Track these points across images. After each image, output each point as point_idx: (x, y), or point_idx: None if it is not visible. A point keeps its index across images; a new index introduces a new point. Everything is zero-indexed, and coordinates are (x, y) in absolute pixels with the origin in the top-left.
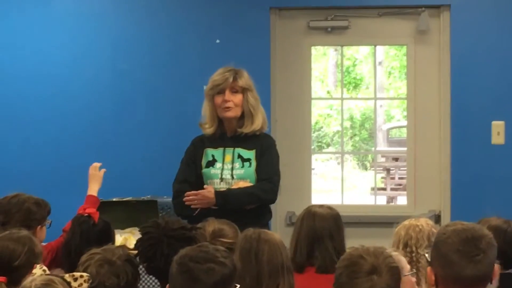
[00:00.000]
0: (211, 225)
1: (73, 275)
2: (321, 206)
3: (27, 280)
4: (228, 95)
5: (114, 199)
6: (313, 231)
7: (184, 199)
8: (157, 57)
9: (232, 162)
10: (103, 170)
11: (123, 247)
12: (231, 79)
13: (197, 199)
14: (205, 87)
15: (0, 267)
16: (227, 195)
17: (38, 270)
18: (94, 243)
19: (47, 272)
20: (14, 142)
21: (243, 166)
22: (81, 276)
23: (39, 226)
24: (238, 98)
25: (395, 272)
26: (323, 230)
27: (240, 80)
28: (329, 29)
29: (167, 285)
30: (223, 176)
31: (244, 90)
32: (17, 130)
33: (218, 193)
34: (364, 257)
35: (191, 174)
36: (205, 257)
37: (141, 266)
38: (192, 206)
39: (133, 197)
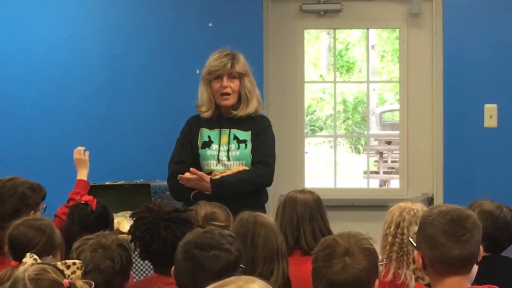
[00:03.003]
0: (203, 208)
1: (66, 263)
2: (302, 191)
3: (20, 270)
4: (226, 81)
5: (107, 183)
6: (296, 216)
7: (179, 177)
8: (150, 41)
9: (228, 143)
10: (87, 153)
11: (115, 232)
12: (229, 65)
13: (193, 180)
14: (198, 71)
15: (15, 252)
16: (222, 184)
17: (29, 259)
18: (92, 230)
19: (38, 260)
20: (7, 126)
21: (239, 148)
22: (74, 264)
23: (33, 211)
24: (235, 84)
25: (369, 254)
26: (306, 214)
27: (237, 66)
28: (322, 13)
29: (172, 269)
30: (220, 158)
31: (241, 75)
32: (9, 116)
33: (213, 181)
34: (338, 240)
35: (187, 154)
36: (210, 244)
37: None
38: (186, 185)
39: (126, 181)
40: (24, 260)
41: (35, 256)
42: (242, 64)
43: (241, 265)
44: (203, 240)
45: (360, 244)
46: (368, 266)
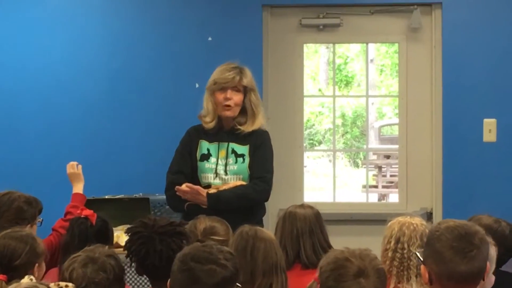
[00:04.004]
0: (202, 223)
1: (59, 284)
2: (301, 206)
3: (11, 286)
4: (230, 93)
5: (106, 197)
6: (296, 230)
7: (176, 188)
8: (150, 55)
9: (226, 157)
10: (80, 166)
11: (103, 245)
12: (237, 79)
13: (189, 193)
14: (197, 85)
15: (0, 266)
16: (218, 198)
17: (26, 280)
18: (92, 244)
19: (34, 280)
20: (6, 139)
21: (236, 162)
22: (66, 286)
23: (29, 225)
24: (239, 97)
25: (382, 274)
26: (306, 229)
27: (244, 80)
28: (321, 27)
29: (168, 282)
30: (218, 172)
31: (246, 90)
32: (9, 128)
33: (209, 196)
34: (351, 259)
35: (186, 165)
36: (208, 258)
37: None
38: (183, 197)
39: (125, 194)
40: (22, 281)
41: (32, 277)
42: (249, 79)
43: (237, 284)
44: (201, 254)
45: (374, 264)
46: (381, 287)
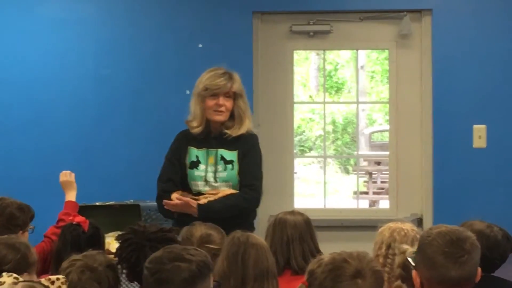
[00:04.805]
0: (199, 230)
1: (50, 279)
2: (291, 212)
3: (6, 284)
4: (222, 100)
5: (97, 203)
6: (286, 237)
7: (164, 202)
8: (140, 62)
9: (215, 164)
10: (73, 174)
11: (103, 252)
12: (228, 85)
13: (179, 205)
14: (188, 92)
15: None
16: (209, 210)
17: (7, 278)
18: (84, 250)
19: (20, 279)
20: None
21: (225, 169)
22: (58, 279)
23: (21, 231)
24: (230, 103)
25: (379, 276)
26: (296, 235)
27: (234, 85)
28: (311, 33)
29: None
30: (207, 179)
31: (236, 95)
32: (1, 135)
33: (200, 207)
34: (348, 261)
35: (176, 172)
36: (170, 257)
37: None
38: (172, 210)
39: (116, 201)
40: (1, 279)
41: (15, 275)
42: (238, 84)
43: (215, 280)
44: (165, 255)
45: (371, 266)
46: None
